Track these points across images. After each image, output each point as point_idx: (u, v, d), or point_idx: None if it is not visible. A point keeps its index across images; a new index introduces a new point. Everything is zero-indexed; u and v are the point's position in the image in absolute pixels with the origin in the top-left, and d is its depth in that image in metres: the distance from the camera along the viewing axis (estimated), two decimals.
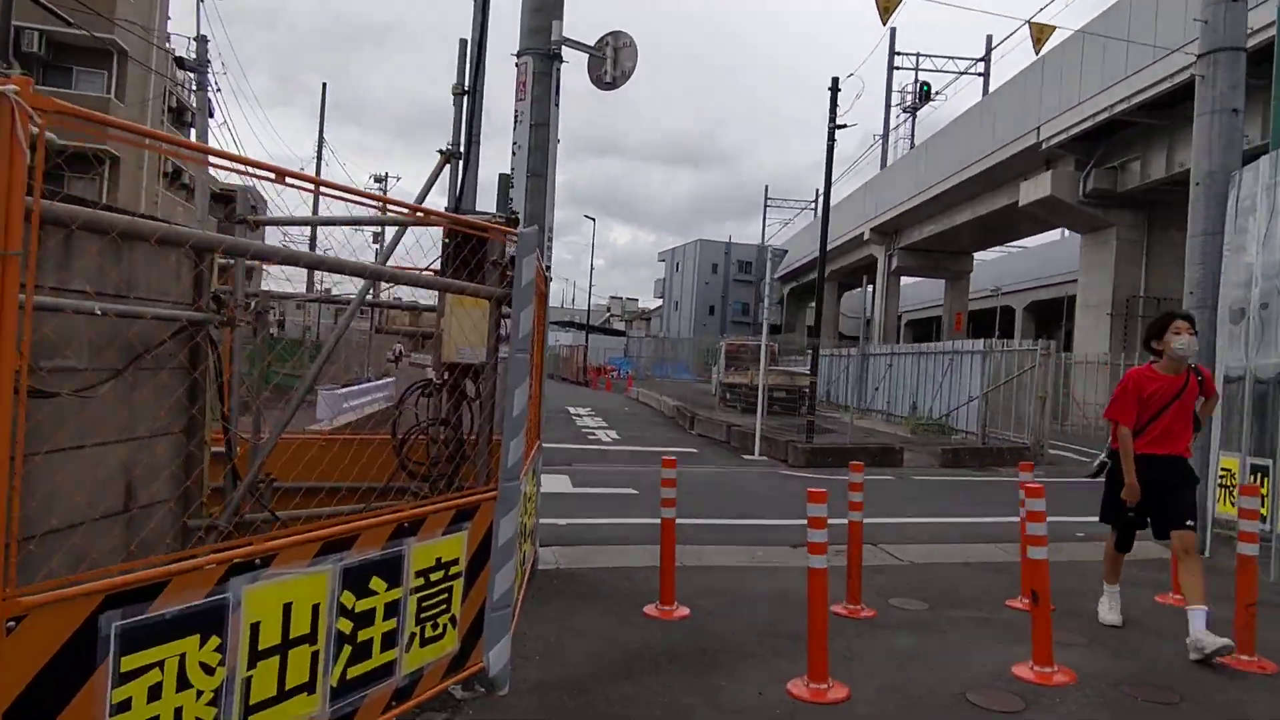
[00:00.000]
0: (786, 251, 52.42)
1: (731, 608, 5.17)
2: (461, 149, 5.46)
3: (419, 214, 3.56)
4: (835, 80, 14.96)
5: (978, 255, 44.85)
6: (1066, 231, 53.94)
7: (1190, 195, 7.89)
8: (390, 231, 4.94)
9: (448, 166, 5.41)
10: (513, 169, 6.23)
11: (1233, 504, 7.04)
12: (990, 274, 52.23)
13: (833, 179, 15.07)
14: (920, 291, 60.46)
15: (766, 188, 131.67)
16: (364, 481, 4.76)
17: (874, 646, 4.53)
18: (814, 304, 62.56)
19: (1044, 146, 25.04)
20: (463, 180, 5.35)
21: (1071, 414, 24.88)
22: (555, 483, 9.69)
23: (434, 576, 3.18)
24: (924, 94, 38.99)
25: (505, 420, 3.56)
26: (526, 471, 3.95)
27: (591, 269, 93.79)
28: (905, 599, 5.50)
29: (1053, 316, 50.81)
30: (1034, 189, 25.67)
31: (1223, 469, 7.23)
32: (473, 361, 4.54)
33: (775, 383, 20.07)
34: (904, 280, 49.16)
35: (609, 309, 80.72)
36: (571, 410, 22.50)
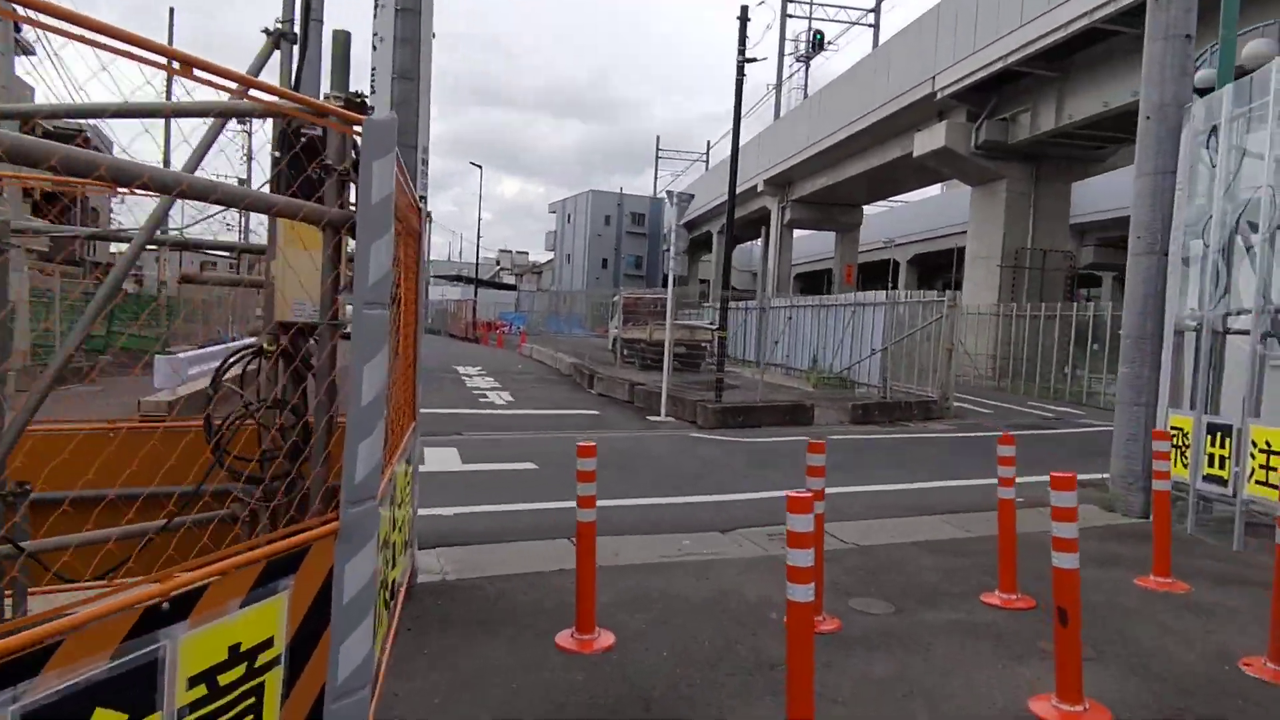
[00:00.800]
0: (693, 196, 51.49)
1: (665, 626, 4.12)
2: (297, 29, 4.02)
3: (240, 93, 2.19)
4: (744, 9, 13.84)
5: (867, 209, 45.39)
6: (943, 187, 55.48)
7: (1139, 130, 7.25)
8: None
9: (277, 53, 3.96)
10: (374, 71, 4.80)
11: (1184, 465, 6.58)
12: (877, 228, 53.26)
13: (726, 130, 14.07)
14: (809, 245, 61.21)
15: (658, 138, 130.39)
16: (172, 486, 3.40)
17: (851, 675, 3.59)
18: (707, 257, 62.19)
19: (939, 97, 24.90)
20: (298, 71, 3.94)
21: (960, 365, 25.27)
22: (441, 458, 8.38)
23: (226, 678, 1.92)
24: (817, 42, 38.53)
25: (350, 412, 2.31)
26: (385, 488, 2.71)
27: (479, 220, 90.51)
28: (867, 600, 4.61)
29: (936, 269, 52.42)
30: (929, 140, 25.59)
31: (1173, 427, 6.73)
32: (313, 320, 3.23)
33: (676, 338, 19.22)
34: (795, 234, 49.41)
35: (498, 262, 77.88)
36: (461, 370, 20.94)
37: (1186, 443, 6.54)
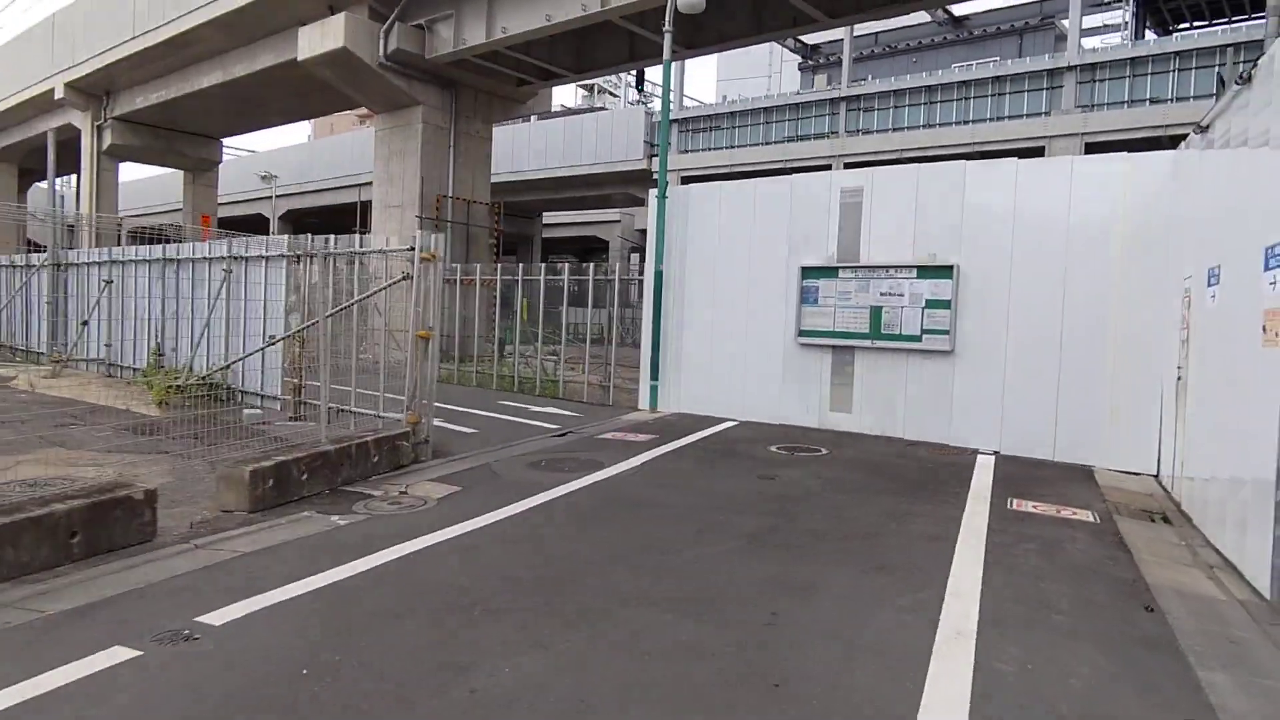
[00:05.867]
0: None
1: None
2: None
3: None
4: None
5: (237, 146, 35.67)
6: (311, 132, 48.29)
7: None
8: None
9: None
10: None
11: None
12: (238, 173, 43.39)
13: None
14: (146, 191, 47.46)
15: None
16: None
17: None
18: None
19: None
20: None
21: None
22: None
23: None
24: None
25: None
26: None
27: None
28: None
29: (335, 228, 45.02)
30: (321, 38, 18.56)
31: None
32: None
33: None
34: (130, 177, 36.57)
35: None
36: None
37: None
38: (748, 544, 5.19)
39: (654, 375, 11.42)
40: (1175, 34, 26.37)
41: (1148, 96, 22.78)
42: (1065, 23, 28.92)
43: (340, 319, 8.86)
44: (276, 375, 9.97)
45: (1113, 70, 23.42)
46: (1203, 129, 6.62)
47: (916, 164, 9.94)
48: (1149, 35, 27.26)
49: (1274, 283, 4.61)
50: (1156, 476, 7.96)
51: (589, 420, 10.83)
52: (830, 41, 35.70)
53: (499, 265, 16.27)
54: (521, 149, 35.67)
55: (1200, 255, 6.47)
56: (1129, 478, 7.91)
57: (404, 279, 7.97)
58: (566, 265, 14.10)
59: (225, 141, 33.03)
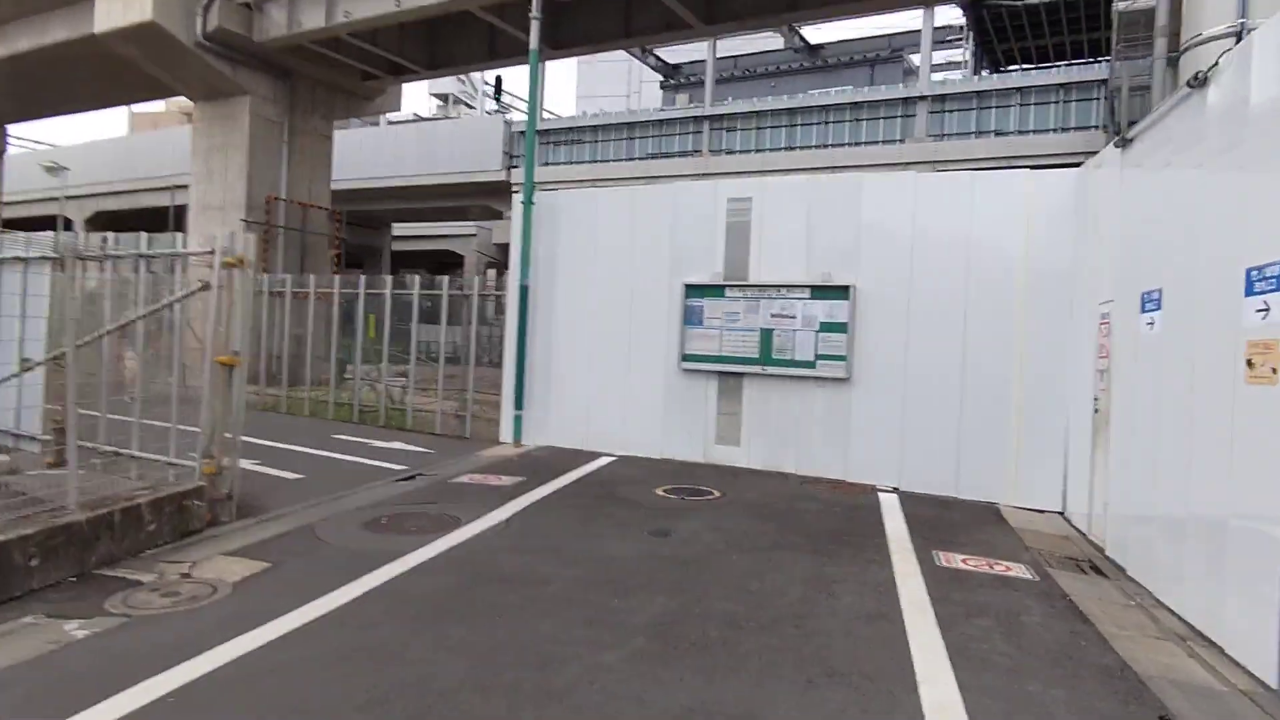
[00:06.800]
0: None
1: None
2: None
3: None
4: None
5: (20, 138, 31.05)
6: (131, 126, 43.56)
7: None
8: None
9: None
10: None
11: None
12: (33, 168, 38.14)
13: None
14: None
15: None
16: None
17: None
18: None
19: None
20: None
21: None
22: None
23: None
24: None
25: None
26: None
27: None
28: None
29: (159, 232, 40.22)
30: (124, 8, 15.94)
31: None
32: None
33: None
34: None
35: None
36: None
37: None
38: (653, 643, 3.97)
39: (518, 404, 10.06)
40: (1015, 72, 27.93)
41: (992, 129, 23.79)
42: (913, 57, 30.10)
43: (123, 339, 6.95)
44: (37, 410, 7.83)
45: (961, 102, 24.34)
46: (1124, 142, 6.12)
47: (810, 175, 9.20)
48: (983, 74, 28.74)
49: (1264, 309, 3.95)
50: (1063, 513, 7.47)
51: (442, 458, 9.31)
52: (691, 62, 35.67)
53: (339, 277, 14.34)
54: (370, 154, 33.18)
55: (1128, 278, 5.93)
56: (1037, 516, 7.36)
57: (203, 289, 6.23)
58: (417, 278, 12.49)
59: (16, 132, 28.58)
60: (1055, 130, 22.40)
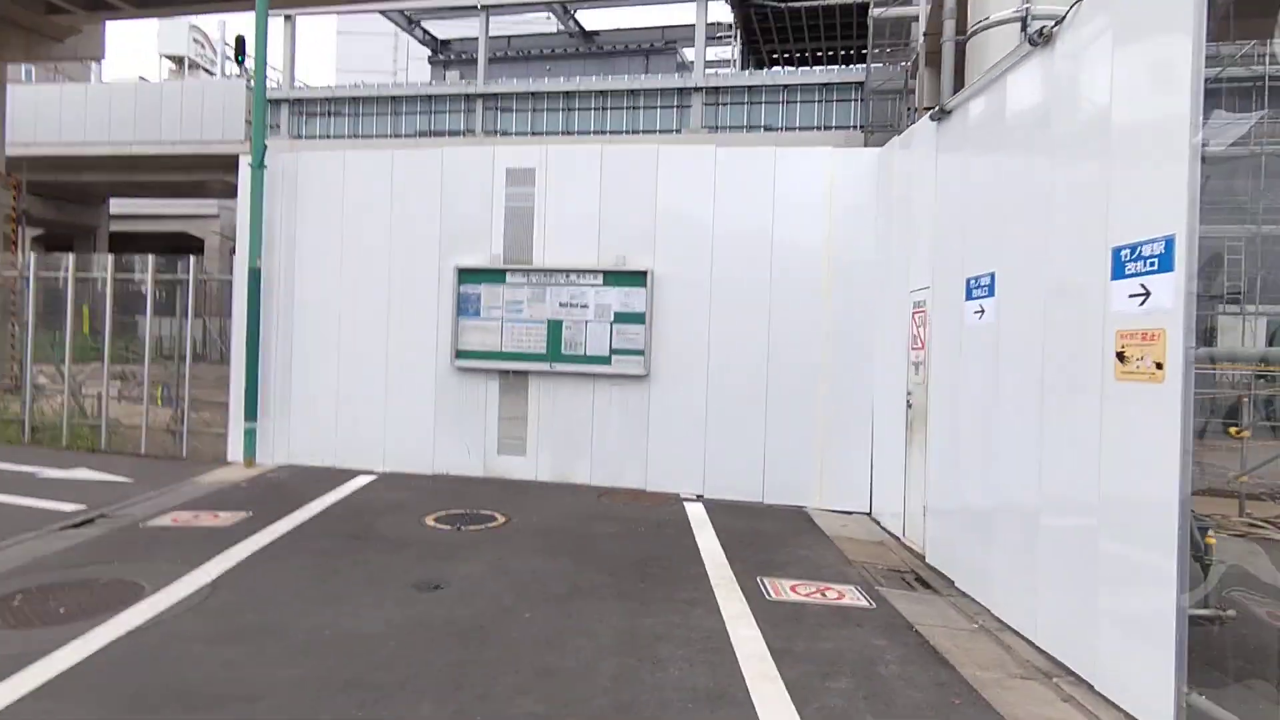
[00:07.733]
0: None
1: None
2: None
3: None
4: None
5: None
6: None
7: None
8: None
9: None
10: None
11: None
12: None
13: None
14: None
15: None
16: None
17: None
18: None
19: None
20: None
21: None
22: None
23: None
24: None
25: None
26: None
27: None
28: None
29: None
30: None
31: None
32: None
33: None
34: None
35: None
36: None
37: None
38: None
39: (250, 413, 8.11)
40: (782, 69, 28.95)
41: (763, 124, 24.38)
42: (687, 51, 30.31)
43: None
44: None
45: (734, 95, 24.72)
46: (942, 114, 5.63)
47: (601, 143, 8.15)
48: (749, 71, 29.62)
49: (1142, 294, 3.40)
50: (869, 514, 7.04)
51: (143, 489, 7.18)
52: (463, 39, 33.68)
53: (23, 258, 11.16)
54: (77, 115, 27.69)
55: (948, 264, 5.44)
56: (848, 520, 6.86)
57: None
58: (111, 259, 9.91)
59: None
60: (819, 129, 23.34)
